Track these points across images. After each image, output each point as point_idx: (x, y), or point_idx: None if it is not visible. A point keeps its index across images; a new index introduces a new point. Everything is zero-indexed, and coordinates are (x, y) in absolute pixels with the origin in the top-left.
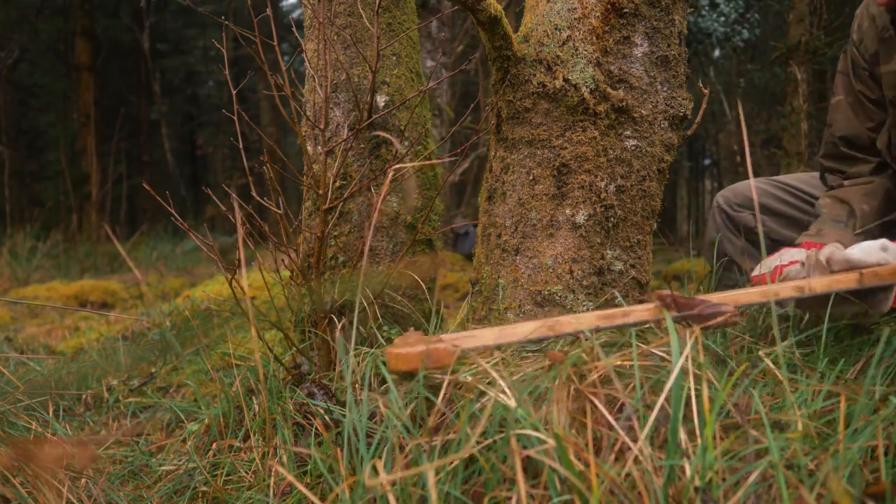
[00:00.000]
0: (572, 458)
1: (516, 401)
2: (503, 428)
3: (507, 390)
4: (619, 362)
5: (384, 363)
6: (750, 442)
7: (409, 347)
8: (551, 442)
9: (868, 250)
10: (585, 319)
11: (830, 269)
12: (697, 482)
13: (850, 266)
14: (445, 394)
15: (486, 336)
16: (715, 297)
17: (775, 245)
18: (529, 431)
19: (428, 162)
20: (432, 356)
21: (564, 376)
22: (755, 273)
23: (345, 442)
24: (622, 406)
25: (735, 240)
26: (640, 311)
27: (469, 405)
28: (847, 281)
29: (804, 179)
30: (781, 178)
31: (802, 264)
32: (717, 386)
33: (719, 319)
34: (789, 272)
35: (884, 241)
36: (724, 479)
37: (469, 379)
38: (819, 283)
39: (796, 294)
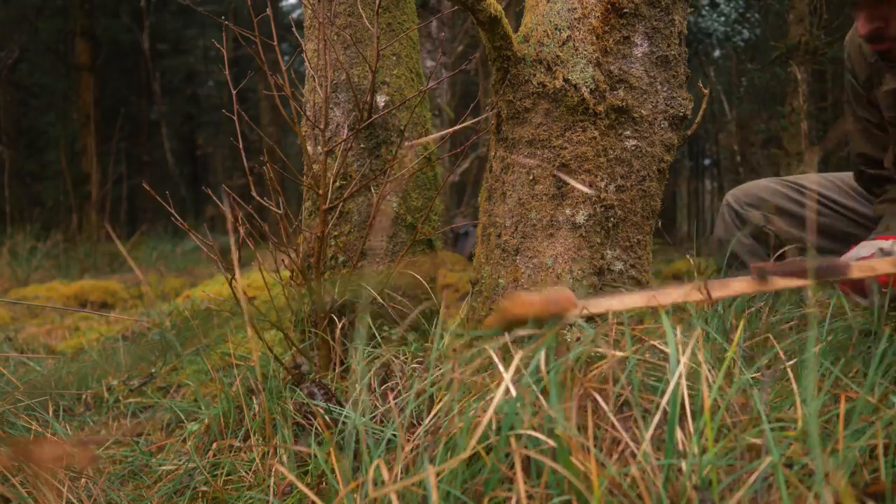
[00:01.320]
0: (575, 460)
1: (518, 397)
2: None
3: (510, 385)
4: (622, 354)
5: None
6: (741, 444)
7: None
8: (551, 442)
9: None
10: (636, 297)
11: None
12: (696, 481)
13: None
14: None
15: (612, 302)
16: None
17: (785, 245)
18: (530, 432)
19: (428, 139)
20: (553, 301)
21: (569, 372)
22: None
23: (347, 442)
24: (625, 403)
25: (744, 239)
26: (739, 284)
27: (469, 404)
28: None
29: (816, 181)
30: (792, 178)
31: (881, 250)
32: (717, 384)
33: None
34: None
35: None
36: (723, 479)
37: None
38: (879, 265)
39: (860, 275)
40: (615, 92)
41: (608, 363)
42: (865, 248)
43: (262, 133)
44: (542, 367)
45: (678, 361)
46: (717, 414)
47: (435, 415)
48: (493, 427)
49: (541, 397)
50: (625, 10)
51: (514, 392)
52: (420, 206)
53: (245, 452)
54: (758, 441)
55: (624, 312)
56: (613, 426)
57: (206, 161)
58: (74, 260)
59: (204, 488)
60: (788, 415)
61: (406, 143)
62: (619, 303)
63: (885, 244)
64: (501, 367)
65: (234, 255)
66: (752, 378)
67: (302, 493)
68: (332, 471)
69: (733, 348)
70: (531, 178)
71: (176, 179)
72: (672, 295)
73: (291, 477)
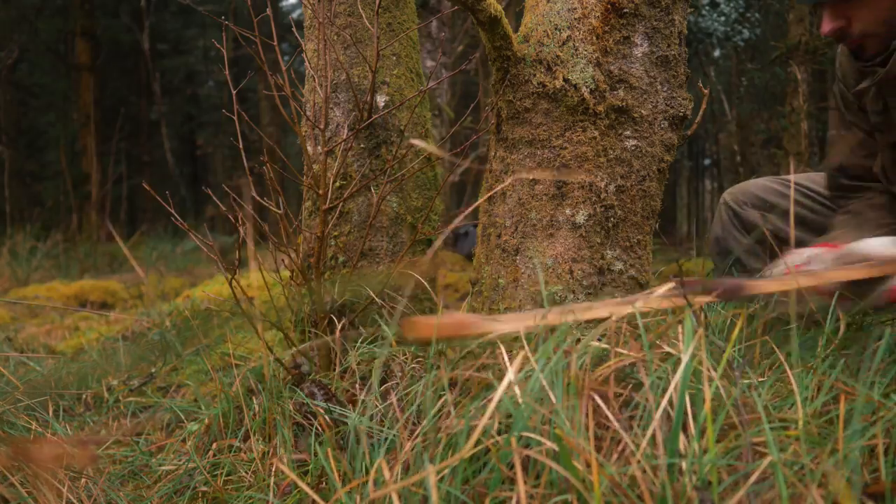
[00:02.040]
0: (577, 464)
1: (521, 398)
2: (509, 420)
3: (515, 388)
4: (625, 351)
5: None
6: (748, 442)
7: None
8: (549, 443)
9: (883, 243)
10: (599, 308)
11: (845, 262)
12: (696, 481)
13: (863, 258)
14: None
15: (511, 319)
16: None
17: (783, 244)
18: (531, 434)
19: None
20: (447, 326)
21: (572, 371)
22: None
23: (348, 442)
24: (626, 403)
25: (741, 237)
26: (657, 299)
27: (469, 404)
28: (859, 272)
29: (813, 178)
30: (790, 176)
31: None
32: (718, 384)
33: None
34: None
35: (893, 239)
36: (725, 478)
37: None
38: (835, 274)
39: (813, 282)
40: (615, 92)
41: (612, 364)
42: (796, 255)
43: (262, 133)
44: (535, 364)
45: (685, 362)
46: (719, 415)
47: (435, 415)
48: (495, 428)
49: (551, 394)
50: (625, 10)
51: (517, 391)
52: (420, 206)
53: (245, 452)
54: (759, 440)
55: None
56: (615, 427)
57: (206, 161)
58: (74, 260)
59: (204, 488)
60: (789, 415)
61: (412, 141)
62: (514, 324)
63: (814, 252)
64: (508, 363)
65: (251, 250)
66: (752, 378)
67: (301, 493)
68: (334, 470)
69: (730, 347)
70: (531, 177)
71: (176, 179)
72: (587, 312)
73: (293, 476)
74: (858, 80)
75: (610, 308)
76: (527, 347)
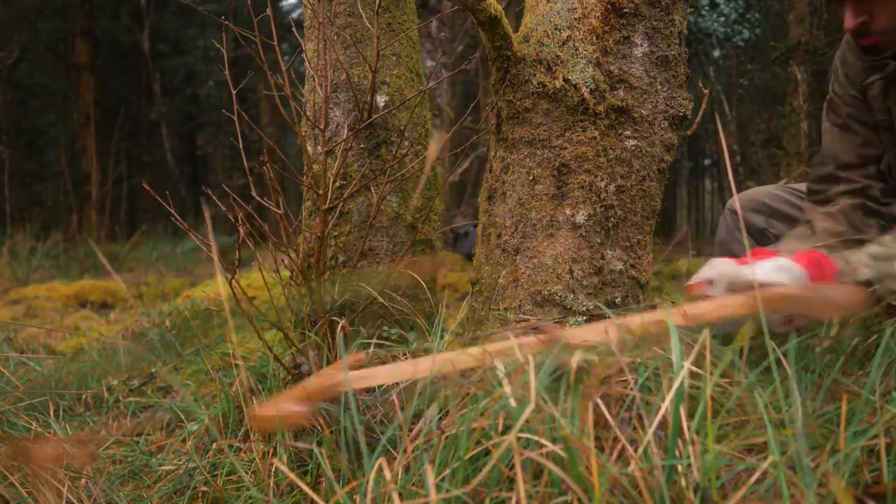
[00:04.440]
0: (582, 469)
1: (517, 400)
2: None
3: (508, 393)
4: (628, 360)
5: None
6: (743, 444)
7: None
8: (550, 445)
9: (767, 270)
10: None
11: (732, 289)
12: (697, 482)
13: (748, 286)
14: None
15: (380, 373)
16: (578, 330)
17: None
18: (530, 436)
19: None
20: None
21: (575, 376)
22: (691, 282)
23: (347, 442)
24: (626, 404)
25: (744, 241)
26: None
27: (470, 405)
28: (733, 306)
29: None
30: (795, 185)
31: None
32: (713, 382)
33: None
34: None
35: (783, 262)
36: (725, 478)
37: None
38: (704, 309)
39: (682, 322)
40: (615, 92)
41: (613, 368)
42: (710, 268)
43: (262, 133)
44: (531, 366)
45: (684, 357)
46: (718, 415)
47: (436, 415)
48: (498, 429)
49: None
50: (625, 10)
51: (512, 393)
52: (420, 206)
53: (245, 453)
54: (760, 440)
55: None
56: (615, 429)
57: (206, 161)
58: (74, 260)
59: (204, 488)
60: (790, 414)
61: (431, 148)
62: (385, 374)
63: (725, 268)
64: (502, 371)
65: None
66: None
67: (301, 493)
68: (337, 470)
69: (735, 345)
70: (531, 178)
71: (176, 179)
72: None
73: (292, 476)
74: (866, 76)
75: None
76: (531, 360)
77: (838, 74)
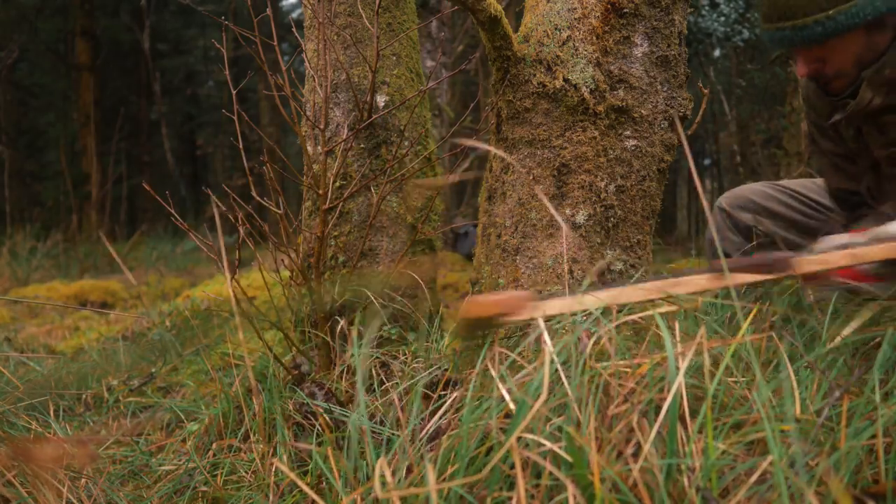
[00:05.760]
0: (591, 473)
1: (515, 401)
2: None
3: (505, 394)
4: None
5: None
6: (744, 442)
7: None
8: (548, 445)
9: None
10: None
11: (877, 242)
12: (699, 481)
13: (894, 237)
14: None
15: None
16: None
17: (774, 245)
18: (530, 436)
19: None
20: (506, 303)
21: (577, 373)
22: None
23: (347, 442)
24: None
25: (733, 238)
26: (700, 280)
27: (470, 405)
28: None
29: (805, 185)
30: (784, 182)
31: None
32: (716, 380)
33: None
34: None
35: None
36: (726, 477)
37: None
38: (872, 251)
39: (851, 261)
40: (615, 92)
41: (614, 366)
42: (828, 241)
43: (262, 133)
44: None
45: (677, 369)
46: (719, 412)
47: (438, 416)
48: (499, 429)
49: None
50: (625, 10)
51: (509, 395)
52: (420, 206)
53: (245, 453)
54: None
55: (614, 306)
56: (614, 428)
57: (206, 161)
58: (74, 260)
59: (204, 488)
60: (791, 413)
61: (452, 175)
62: (572, 303)
63: (845, 238)
64: (496, 376)
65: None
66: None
67: (301, 493)
68: (337, 469)
69: (736, 343)
70: (531, 178)
71: (176, 179)
72: (633, 294)
73: (292, 476)
74: (830, 113)
75: (654, 290)
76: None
77: (807, 110)
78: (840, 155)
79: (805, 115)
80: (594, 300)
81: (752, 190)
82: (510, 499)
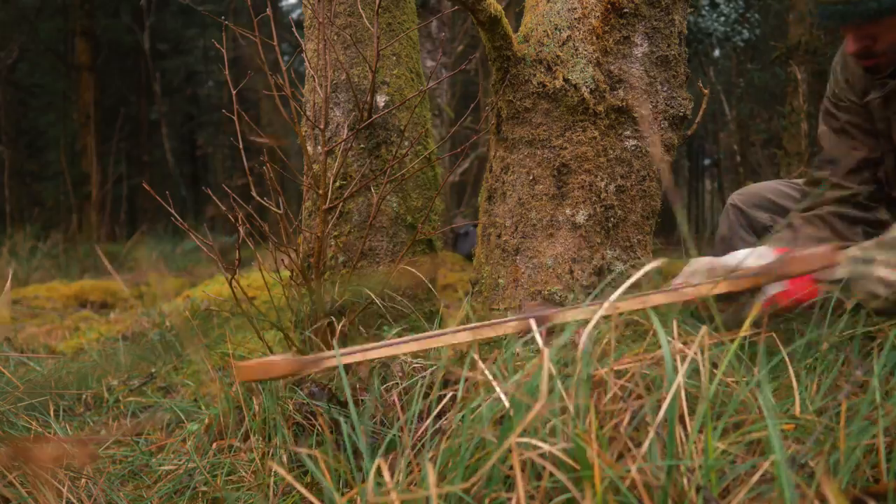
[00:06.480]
0: (596, 470)
1: (512, 402)
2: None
3: (502, 396)
4: (629, 362)
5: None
6: (745, 442)
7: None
8: (547, 447)
9: (744, 254)
10: (459, 335)
11: (711, 276)
12: (699, 481)
13: (729, 271)
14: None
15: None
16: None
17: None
18: (529, 439)
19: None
20: (270, 367)
21: (577, 374)
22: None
23: (347, 443)
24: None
25: (747, 237)
26: (509, 326)
27: (469, 406)
28: (721, 287)
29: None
30: (798, 180)
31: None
32: (716, 380)
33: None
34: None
35: (761, 249)
36: (726, 477)
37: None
38: (699, 290)
39: (676, 299)
40: (615, 92)
41: (614, 365)
42: (690, 266)
43: (262, 133)
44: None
45: (675, 371)
46: (719, 412)
47: (439, 416)
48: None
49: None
50: (625, 10)
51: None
52: (420, 206)
53: (245, 453)
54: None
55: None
56: (616, 428)
57: (206, 161)
58: (74, 260)
59: (204, 488)
60: (792, 412)
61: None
62: (375, 352)
63: (698, 265)
64: (489, 376)
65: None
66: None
67: (300, 494)
68: (336, 471)
69: (736, 342)
70: (531, 178)
71: (176, 179)
72: (490, 331)
73: (290, 478)
74: (865, 91)
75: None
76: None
77: (838, 78)
78: (859, 128)
79: (830, 82)
80: (413, 346)
81: (768, 188)
82: (510, 499)
